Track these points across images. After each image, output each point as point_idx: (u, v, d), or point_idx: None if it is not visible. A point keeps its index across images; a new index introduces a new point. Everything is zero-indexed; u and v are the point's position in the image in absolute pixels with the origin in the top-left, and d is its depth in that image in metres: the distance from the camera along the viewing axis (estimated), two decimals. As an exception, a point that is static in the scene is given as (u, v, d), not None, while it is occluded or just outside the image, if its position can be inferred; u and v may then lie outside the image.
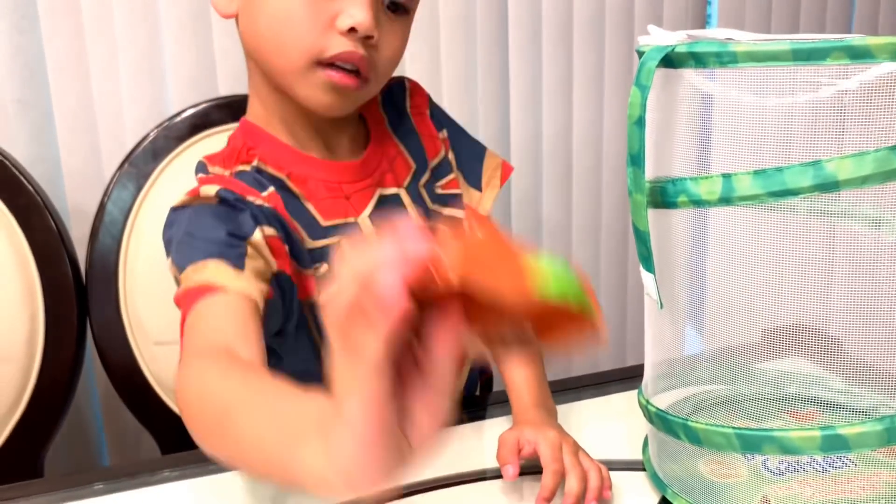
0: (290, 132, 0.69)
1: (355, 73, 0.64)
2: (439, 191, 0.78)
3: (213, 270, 0.58)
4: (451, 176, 0.79)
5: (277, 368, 0.55)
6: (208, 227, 0.60)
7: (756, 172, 0.53)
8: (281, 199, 0.66)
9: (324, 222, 0.68)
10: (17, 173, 0.96)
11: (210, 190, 0.63)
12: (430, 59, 1.28)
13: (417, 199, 0.75)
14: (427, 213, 0.75)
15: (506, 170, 0.82)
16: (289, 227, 0.65)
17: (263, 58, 0.66)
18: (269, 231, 0.62)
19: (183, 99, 1.14)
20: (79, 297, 0.98)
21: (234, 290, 0.57)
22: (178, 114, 1.03)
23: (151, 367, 0.98)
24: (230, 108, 1.02)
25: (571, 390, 0.86)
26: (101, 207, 1.00)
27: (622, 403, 0.83)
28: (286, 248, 0.64)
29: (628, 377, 0.88)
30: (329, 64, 0.63)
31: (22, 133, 1.11)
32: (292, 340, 0.70)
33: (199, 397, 0.48)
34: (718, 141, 0.58)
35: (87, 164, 1.15)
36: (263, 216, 0.63)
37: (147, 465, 0.76)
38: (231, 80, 1.18)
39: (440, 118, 0.80)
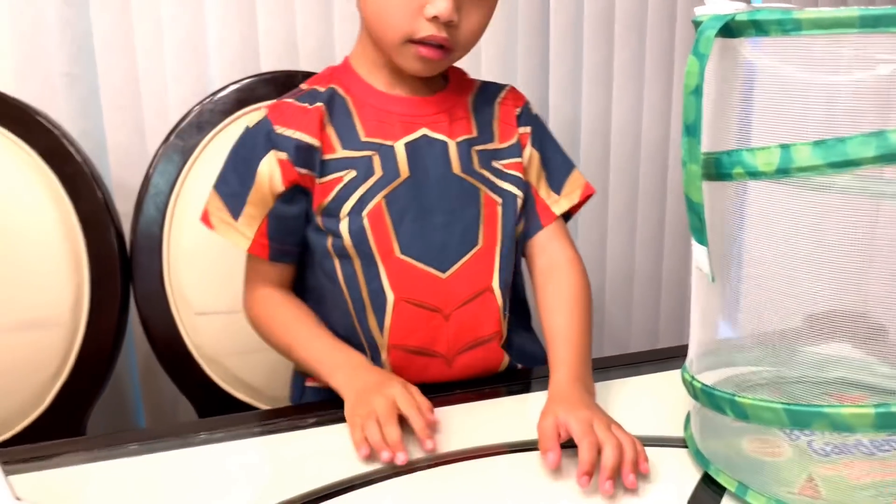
0: (374, 75, 0.83)
1: (440, 47, 0.76)
2: (496, 164, 0.84)
3: (219, 215, 0.81)
4: (517, 160, 0.85)
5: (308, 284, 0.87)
6: (237, 163, 0.82)
7: (816, 143, 0.52)
8: (325, 112, 0.80)
9: (363, 137, 0.80)
10: (65, 143, 0.98)
11: (257, 119, 0.81)
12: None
13: (464, 155, 0.82)
14: (469, 169, 0.82)
15: (587, 190, 0.89)
16: (310, 141, 0.79)
17: (370, 28, 0.80)
18: (282, 156, 0.79)
19: (225, 77, 1.15)
20: (123, 266, 0.99)
21: (236, 244, 0.82)
22: (223, 88, 1.05)
23: (192, 337, 1.00)
24: (274, 84, 1.03)
25: (602, 370, 0.86)
26: (147, 179, 1.01)
27: (659, 383, 0.83)
28: (298, 169, 0.79)
29: (660, 359, 0.88)
30: (419, 41, 0.76)
31: (69, 107, 1.13)
32: (313, 240, 0.83)
33: (272, 325, 0.84)
34: (774, 114, 0.58)
35: (131, 140, 1.17)
36: (281, 143, 0.79)
37: (184, 427, 0.77)
38: (273, 58, 1.19)
39: (531, 119, 0.88)
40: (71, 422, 0.97)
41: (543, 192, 0.87)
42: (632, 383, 0.83)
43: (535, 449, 0.69)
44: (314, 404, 0.81)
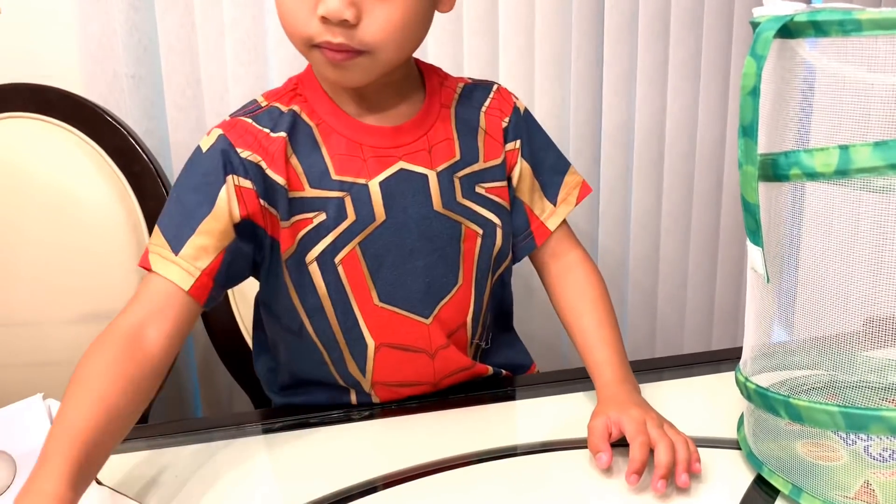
0: (338, 91, 0.72)
1: (348, 50, 0.65)
2: (479, 190, 0.77)
3: (158, 250, 0.67)
4: (501, 183, 0.79)
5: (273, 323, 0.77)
6: (186, 191, 0.69)
7: (876, 144, 0.52)
8: (288, 145, 0.70)
9: (335, 175, 0.70)
10: (133, 142, 1.02)
11: (212, 139, 0.70)
12: (525, 42, 1.29)
13: (446, 187, 0.74)
14: (451, 203, 0.75)
15: (584, 190, 0.84)
16: (276, 178, 0.69)
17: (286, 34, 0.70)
18: (245, 183, 0.68)
19: (285, 77, 1.17)
20: (185, 261, 1.02)
21: (165, 275, 0.66)
22: (281, 89, 1.07)
23: (251, 329, 1.02)
24: (332, 85, 1.05)
25: (655, 370, 0.86)
26: (208, 177, 1.04)
27: (712, 384, 0.82)
28: (261, 201, 0.69)
29: (714, 360, 0.87)
30: (320, 45, 0.65)
31: (135, 107, 1.17)
32: (272, 292, 0.75)
33: (81, 366, 0.62)
34: (832, 115, 0.57)
35: (192, 139, 1.20)
36: (244, 169, 0.68)
37: (238, 417, 0.79)
38: (331, 59, 1.21)
39: (520, 129, 0.80)
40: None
41: (538, 208, 0.81)
42: (685, 384, 0.83)
43: (531, 453, 0.70)
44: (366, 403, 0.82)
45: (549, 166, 0.83)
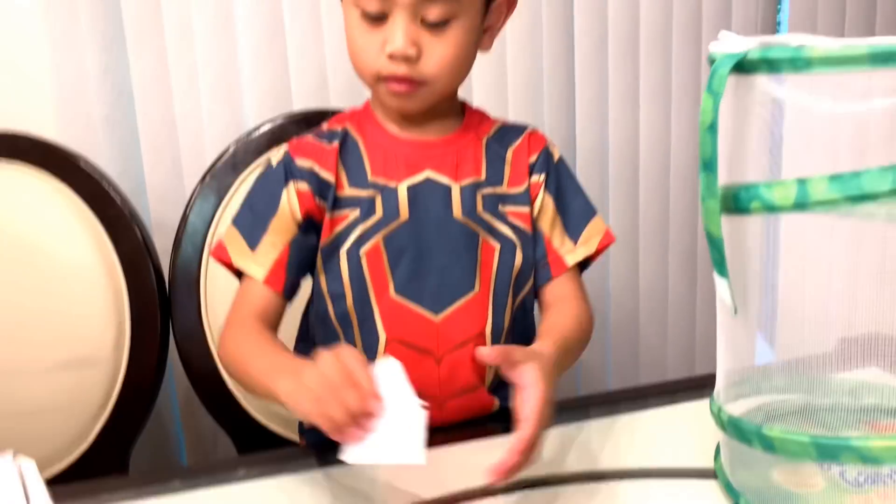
0: (388, 116, 0.84)
1: (409, 81, 0.77)
2: (501, 209, 0.84)
3: (236, 246, 0.81)
4: (525, 209, 0.85)
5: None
6: (258, 197, 0.83)
7: (832, 177, 0.52)
8: (338, 151, 0.82)
9: (370, 177, 0.82)
10: (106, 187, 1.02)
11: (279, 154, 0.84)
12: (497, 67, 1.30)
13: (468, 199, 0.82)
14: (472, 213, 0.82)
15: (606, 238, 0.88)
16: (326, 176, 0.81)
17: (354, 68, 0.81)
18: (302, 186, 0.81)
19: (259, 116, 1.19)
20: (162, 304, 1.02)
21: (244, 268, 0.81)
22: (257, 128, 1.08)
23: (230, 372, 1.02)
24: (305, 123, 1.06)
25: (640, 399, 0.86)
26: (184, 218, 1.04)
27: (692, 412, 0.82)
28: (316, 199, 0.81)
29: (697, 386, 0.87)
30: (386, 78, 0.77)
31: (109, 149, 1.17)
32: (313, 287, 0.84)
33: (233, 353, 0.78)
34: (792, 147, 0.58)
35: (168, 179, 1.20)
36: (301, 174, 0.81)
37: (224, 464, 0.79)
38: (305, 96, 1.22)
39: (548, 167, 0.86)
40: (115, 457, 1.00)
41: (557, 241, 0.86)
42: (665, 413, 0.83)
43: (531, 487, 0.69)
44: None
45: (576, 210, 0.88)
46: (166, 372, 1.06)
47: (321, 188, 0.81)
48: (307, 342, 0.88)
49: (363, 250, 0.80)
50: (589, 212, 0.88)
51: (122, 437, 1.00)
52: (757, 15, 1.46)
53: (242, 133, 1.10)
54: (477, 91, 1.30)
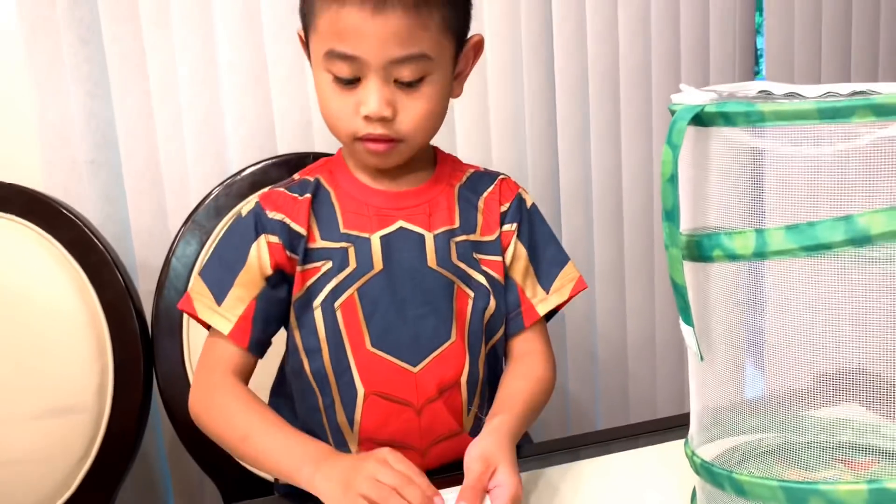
0: (360, 168, 0.85)
1: (387, 140, 0.78)
2: (476, 257, 0.84)
3: (203, 299, 0.80)
4: (497, 258, 0.85)
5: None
6: (226, 249, 0.82)
7: (788, 228, 0.53)
8: (310, 204, 0.82)
9: (342, 229, 0.81)
10: (88, 233, 1.02)
11: (249, 206, 0.83)
12: (479, 109, 1.32)
13: (442, 248, 0.82)
14: (446, 262, 0.82)
15: (579, 285, 0.89)
16: (298, 229, 0.81)
17: (328, 128, 0.82)
18: (273, 239, 0.80)
19: (244, 158, 1.20)
20: (145, 350, 1.03)
21: (209, 322, 0.80)
22: (239, 172, 1.09)
23: (213, 417, 1.02)
24: (288, 166, 1.07)
25: (631, 437, 0.86)
26: (167, 263, 1.05)
27: (672, 452, 0.82)
28: (287, 252, 0.80)
29: (680, 425, 0.87)
30: (363, 138, 0.78)
31: (93, 193, 1.18)
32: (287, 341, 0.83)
33: (226, 421, 0.77)
34: (752, 195, 0.59)
35: (154, 222, 1.21)
36: (272, 227, 0.81)
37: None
38: (289, 139, 1.23)
39: (521, 216, 0.87)
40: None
41: (529, 290, 0.86)
42: (649, 452, 0.83)
43: None
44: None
45: (548, 258, 0.88)
46: (153, 417, 1.06)
47: (292, 241, 0.80)
48: (281, 397, 0.88)
49: (338, 303, 0.80)
50: (561, 259, 0.89)
51: (105, 484, 1.00)
52: (735, 52, 1.48)
53: (227, 173, 1.11)
54: (459, 130, 1.31)
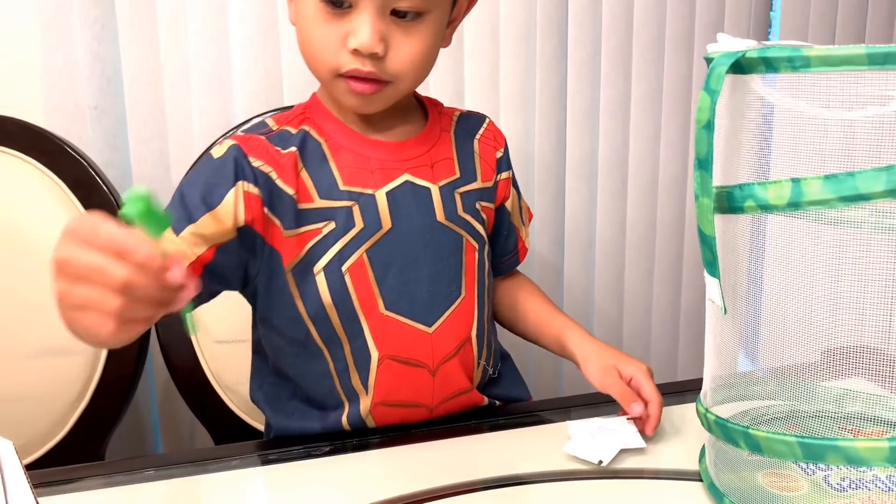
0: (344, 113, 0.77)
1: (373, 80, 0.71)
2: (478, 206, 0.83)
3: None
4: (490, 204, 0.85)
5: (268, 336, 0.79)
6: (193, 188, 0.71)
7: (827, 177, 0.53)
8: (297, 159, 0.74)
9: (343, 186, 0.74)
10: (93, 173, 1.00)
11: (224, 148, 0.73)
12: (490, 77, 1.30)
13: (448, 201, 0.79)
14: (453, 216, 0.80)
15: (530, 213, 0.95)
16: (286, 188, 0.72)
17: (306, 64, 0.75)
18: (252, 189, 0.71)
19: (249, 110, 1.18)
20: (145, 294, 1.01)
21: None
22: (245, 122, 1.07)
23: (212, 365, 1.01)
24: (296, 117, 1.05)
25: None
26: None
27: (676, 415, 0.82)
28: (265, 209, 0.72)
29: (680, 391, 0.88)
30: (347, 75, 0.71)
31: (96, 138, 1.16)
32: (273, 304, 0.76)
33: None
34: (786, 149, 0.58)
35: (155, 170, 1.19)
36: (254, 177, 0.71)
37: (199, 454, 0.77)
38: (297, 91, 1.21)
39: (508, 164, 0.88)
40: (91, 446, 0.98)
41: (523, 231, 0.91)
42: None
43: (519, 483, 0.69)
44: (329, 433, 0.80)
45: (519, 194, 0.91)
46: (146, 363, 1.04)
47: (273, 199, 0.72)
48: (264, 356, 0.83)
49: (346, 266, 0.74)
50: (519, 192, 0.92)
51: (99, 426, 0.99)
52: (749, 32, 1.48)
53: (232, 125, 1.09)
54: (469, 98, 1.30)
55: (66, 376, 0.98)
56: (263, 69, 1.20)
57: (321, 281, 0.74)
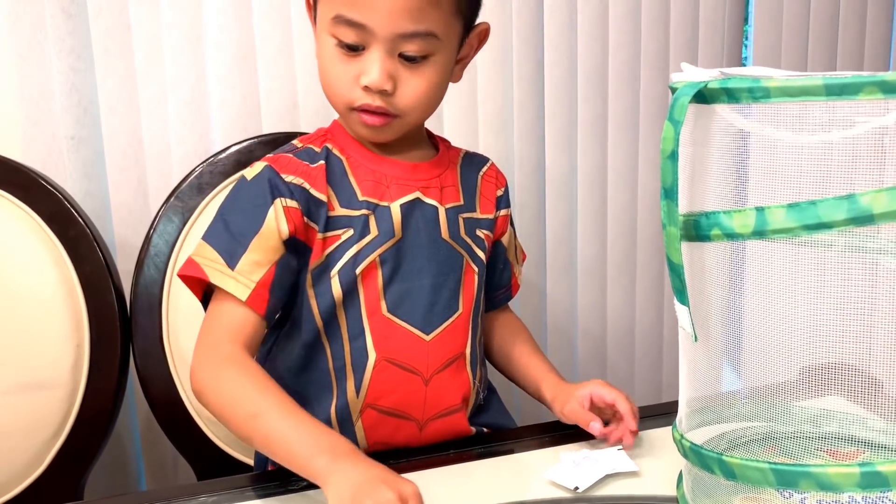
0: (359, 135, 0.84)
1: (383, 114, 0.78)
2: (479, 233, 0.88)
3: (213, 264, 0.76)
4: (490, 234, 0.90)
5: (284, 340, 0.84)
6: (235, 213, 0.78)
7: (790, 206, 0.53)
8: (325, 171, 0.81)
9: (361, 196, 0.81)
10: (68, 206, 1.00)
11: (257, 169, 0.80)
12: (468, 97, 1.31)
13: (452, 221, 0.85)
14: (456, 236, 0.85)
15: (524, 253, 1.01)
16: (319, 196, 0.79)
17: (326, 96, 0.82)
18: (290, 203, 0.78)
19: (227, 138, 1.18)
20: (123, 327, 1.00)
21: (223, 287, 0.76)
22: (224, 150, 1.07)
23: (192, 398, 1.00)
24: (273, 145, 1.05)
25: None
26: (147, 240, 1.03)
27: (657, 438, 0.82)
28: (304, 218, 0.79)
29: (663, 413, 0.88)
30: (359, 109, 0.79)
31: (74, 169, 1.15)
32: (293, 301, 0.81)
33: (236, 397, 0.72)
34: (752, 176, 0.59)
35: (134, 200, 1.19)
36: (289, 191, 0.78)
37: (184, 490, 0.77)
38: (274, 119, 1.21)
39: (507, 203, 0.94)
40: (69, 483, 0.97)
41: (517, 269, 0.97)
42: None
43: None
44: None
45: (515, 234, 0.98)
46: (127, 396, 1.03)
47: (310, 207, 0.78)
48: (270, 362, 0.86)
49: (359, 269, 0.80)
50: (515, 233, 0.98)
51: (77, 462, 0.98)
52: (723, 50, 1.49)
53: (210, 153, 1.09)
54: (448, 121, 1.30)
55: (44, 411, 0.97)
56: (241, 96, 1.20)
57: (335, 282, 0.79)
